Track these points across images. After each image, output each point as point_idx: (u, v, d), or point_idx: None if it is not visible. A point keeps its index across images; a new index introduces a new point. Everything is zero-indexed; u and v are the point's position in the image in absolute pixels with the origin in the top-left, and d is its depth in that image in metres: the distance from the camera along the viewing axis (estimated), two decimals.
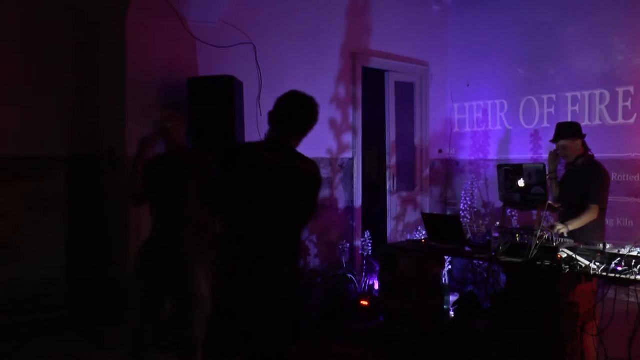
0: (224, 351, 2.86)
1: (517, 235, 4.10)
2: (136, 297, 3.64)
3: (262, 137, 5.83)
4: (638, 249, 3.69)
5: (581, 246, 3.88)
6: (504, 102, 7.14)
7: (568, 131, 4.58)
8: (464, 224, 5.65)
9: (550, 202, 4.23)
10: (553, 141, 4.65)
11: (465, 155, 7.61)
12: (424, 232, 5.69)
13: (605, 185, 4.46)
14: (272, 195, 2.76)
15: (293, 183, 2.79)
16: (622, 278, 3.49)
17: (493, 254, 4.11)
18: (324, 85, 6.39)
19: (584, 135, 4.60)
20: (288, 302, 2.79)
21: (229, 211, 2.85)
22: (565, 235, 4.20)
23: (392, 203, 7.12)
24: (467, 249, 4.47)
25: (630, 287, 3.68)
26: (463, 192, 6.84)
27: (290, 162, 2.81)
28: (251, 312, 2.74)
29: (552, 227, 4.12)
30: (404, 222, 7.20)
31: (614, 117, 6.12)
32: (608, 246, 3.77)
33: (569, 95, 6.48)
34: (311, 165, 2.86)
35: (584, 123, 5.98)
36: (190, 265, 3.55)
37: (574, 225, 4.26)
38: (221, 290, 2.93)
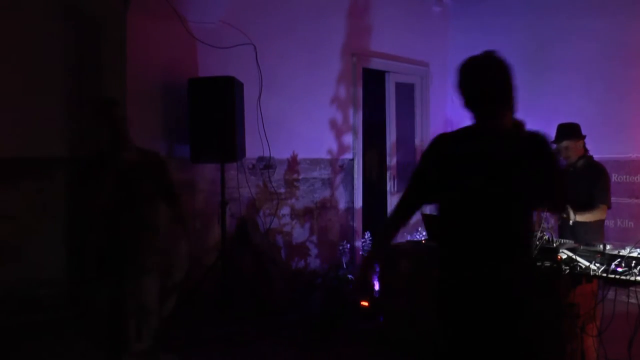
0: None
1: None
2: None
3: (263, 137, 5.90)
4: (638, 249, 3.68)
5: (581, 247, 3.88)
6: None
7: (570, 132, 4.59)
8: None
9: None
10: (555, 142, 4.64)
11: None
12: (424, 233, 5.68)
13: (609, 186, 4.55)
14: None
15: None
16: (622, 279, 3.49)
17: None
18: (325, 86, 6.39)
19: (585, 136, 4.61)
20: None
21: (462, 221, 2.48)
22: (570, 222, 4.24)
23: (393, 204, 7.12)
24: None
25: (631, 288, 3.67)
26: None
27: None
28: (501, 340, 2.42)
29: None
30: None
31: (614, 117, 6.11)
32: (608, 247, 3.76)
33: (569, 95, 6.46)
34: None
35: (584, 123, 5.97)
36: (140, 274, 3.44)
37: (583, 217, 4.31)
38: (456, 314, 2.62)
